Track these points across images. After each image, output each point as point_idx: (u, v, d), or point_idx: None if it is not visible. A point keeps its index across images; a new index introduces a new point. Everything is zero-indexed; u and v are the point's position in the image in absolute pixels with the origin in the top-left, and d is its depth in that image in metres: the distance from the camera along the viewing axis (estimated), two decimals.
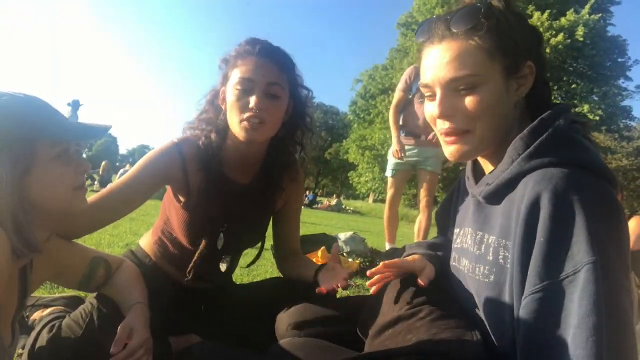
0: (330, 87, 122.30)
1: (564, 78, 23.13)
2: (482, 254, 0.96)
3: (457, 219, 1.18)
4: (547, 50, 21.30)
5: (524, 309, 0.80)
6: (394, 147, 4.00)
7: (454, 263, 1.12)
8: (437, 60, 0.92)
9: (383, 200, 24.42)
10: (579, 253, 0.75)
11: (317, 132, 1.64)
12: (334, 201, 24.24)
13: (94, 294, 1.31)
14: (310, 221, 9.90)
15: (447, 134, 0.96)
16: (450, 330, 0.93)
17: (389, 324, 1.01)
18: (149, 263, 1.55)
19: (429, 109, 0.97)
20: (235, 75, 1.36)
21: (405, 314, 1.00)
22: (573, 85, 22.81)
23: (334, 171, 55.31)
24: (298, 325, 1.29)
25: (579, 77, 23.21)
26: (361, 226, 10.21)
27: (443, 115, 0.93)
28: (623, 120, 25.60)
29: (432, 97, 0.96)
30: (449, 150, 0.97)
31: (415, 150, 4.03)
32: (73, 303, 1.61)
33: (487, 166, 1.03)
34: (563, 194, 0.78)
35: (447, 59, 0.91)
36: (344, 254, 4.31)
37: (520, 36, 0.92)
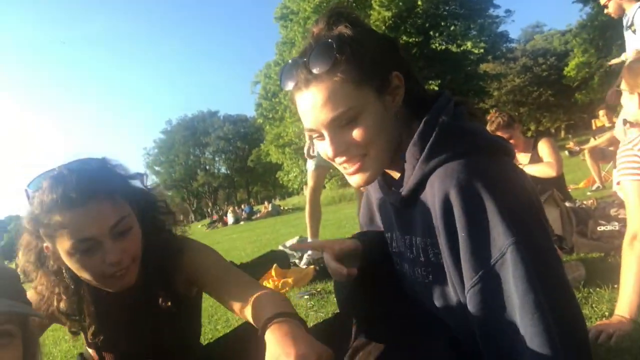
0: (231, 97, 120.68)
1: (442, 23, 24.35)
2: (415, 257, 1.00)
3: (383, 223, 1.20)
4: (419, 1, 22.35)
5: (470, 304, 0.83)
6: (305, 148, 4.08)
7: (397, 267, 1.14)
8: (311, 106, 0.93)
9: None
10: (499, 236, 0.78)
11: (169, 206, 1.34)
12: (269, 206, 24.12)
13: None
14: (256, 236, 9.64)
15: (347, 165, 0.98)
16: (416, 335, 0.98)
17: (356, 350, 1.04)
18: None
19: (323, 149, 0.98)
20: (64, 238, 1.08)
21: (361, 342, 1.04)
22: (452, 28, 24.07)
23: (262, 176, 55.09)
24: None
25: (455, 18, 24.52)
26: (303, 224, 10.22)
27: (337, 153, 0.95)
28: (504, 45, 27.62)
29: (321, 137, 0.97)
30: (355, 180, 1.00)
31: None
32: None
33: (392, 172, 1.06)
34: (468, 186, 0.82)
35: (320, 102, 0.91)
36: (296, 262, 4.26)
37: (377, 53, 0.94)
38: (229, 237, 9.70)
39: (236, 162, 58.04)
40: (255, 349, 1.24)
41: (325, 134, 0.94)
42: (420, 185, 0.93)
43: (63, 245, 1.08)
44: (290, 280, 3.44)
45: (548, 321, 0.75)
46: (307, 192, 4.28)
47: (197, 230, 21.00)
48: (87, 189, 1.06)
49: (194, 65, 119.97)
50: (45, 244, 1.13)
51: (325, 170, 4.23)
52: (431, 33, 23.78)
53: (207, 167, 59.52)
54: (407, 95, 0.96)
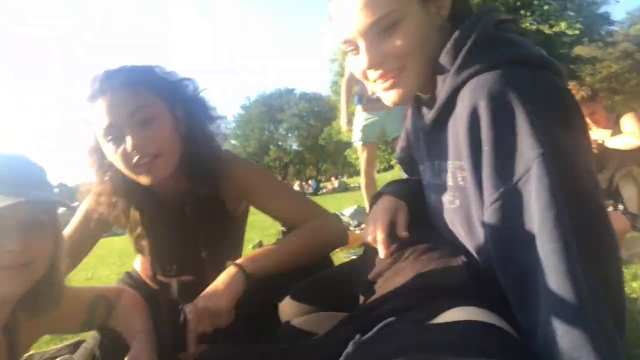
0: (307, 74, 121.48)
1: (535, 2, 22.71)
2: (443, 182, 0.94)
3: (417, 157, 1.15)
4: None
5: (488, 222, 0.78)
6: (342, 120, 4.18)
7: (427, 200, 1.09)
8: (349, 9, 0.86)
9: (385, 169, 24.45)
10: (527, 151, 0.72)
11: (225, 118, 1.40)
12: (336, 183, 24.24)
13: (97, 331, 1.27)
14: None
15: (382, 80, 0.91)
16: (434, 261, 0.91)
17: (377, 275, 1.00)
18: (145, 285, 1.51)
19: (357, 64, 0.92)
20: (98, 128, 1.19)
21: (389, 260, 0.98)
22: (545, 7, 22.39)
23: (332, 155, 55.19)
24: (302, 308, 1.26)
25: None
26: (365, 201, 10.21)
27: (373, 65, 0.88)
28: (604, 27, 25.21)
29: (356, 50, 0.90)
30: (389, 96, 0.93)
31: (379, 115, 4.03)
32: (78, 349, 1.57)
33: (428, 97, 0.99)
34: (498, 96, 0.75)
35: (360, 5, 0.85)
36: (351, 228, 4.33)
37: None
38: None
39: (308, 139, 58.55)
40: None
41: (361, 43, 0.87)
42: (450, 100, 0.86)
43: (98, 134, 1.20)
44: None
45: (568, 237, 0.67)
46: (361, 164, 4.31)
47: None
48: (111, 81, 1.17)
49: (276, 43, 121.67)
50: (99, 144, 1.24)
51: (373, 145, 4.26)
52: (522, 12, 22.21)
53: (280, 143, 60.63)
54: (452, 9, 0.90)
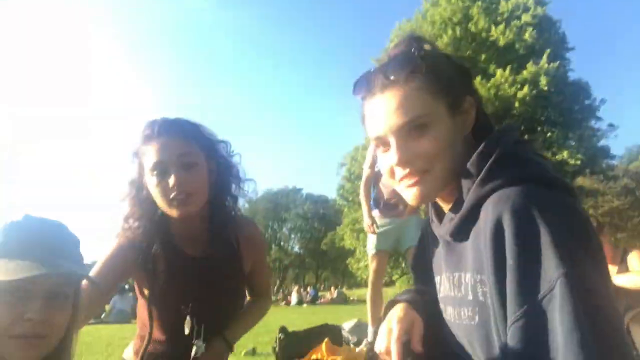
0: (315, 176, 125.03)
1: (538, 128, 23.77)
2: (463, 296, 0.95)
3: (434, 267, 1.14)
4: (516, 104, 22.12)
5: (510, 340, 0.78)
6: (366, 221, 3.98)
7: (443, 315, 1.06)
8: (384, 110, 0.93)
9: (387, 284, 23.99)
10: (550, 269, 0.74)
11: (253, 181, 1.64)
12: (335, 293, 23.70)
13: None
14: (317, 318, 9.29)
15: (407, 179, 0.95)
16: None
17: None
18: None
19: (386, 161, 0.97)
20: (147, 162, 1.39)
21: None
22: (549, 134, 23.38)
23: (333, 261, 54.76)
24: None
25: (552, 125, 23.84)
26: (366, 314, 9.81)
27: (402, 162, 0.93)
28: (604, 160, 26.01)
29: (387, 147, 0.95)
30: (411, 193, 0.97)
31: (395, 223, 3.94)
32: None
33: (447, 206, 1.02)
34: (523, 211, 0.78)
35: (394, 106, 0.91)
36: (351, 344, 4.04)
37: (454, 74, 0.96)
38: (290, 317, 9.61)
39: (310, 242, 58.58)
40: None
41: (393, 141, 0.93)
42: (474, 211, 0.89)
43: (146, 170, 1.40)
44: (339, 359, 3.33)
45: None
46: (369, 276, 4.17)
47: None
48: (168, 126, 1.41)
49: (285, 140, 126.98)
50: (143, 177, 1.44)
51: (386, 254, 4.12)
52: (526, 137, 23.19)
53: (282, 243, 60.51)
54: (475, 124, 0.97)
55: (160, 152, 1.36)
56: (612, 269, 3.07)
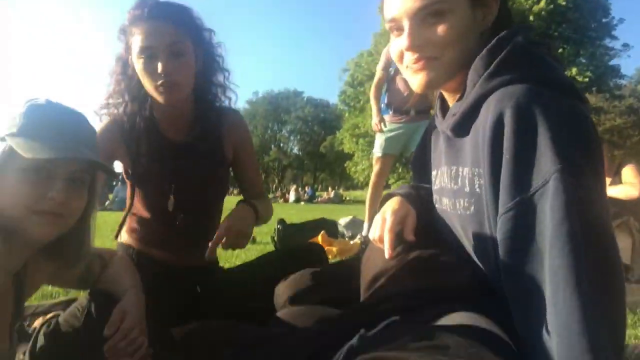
0: (317, 80, 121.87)
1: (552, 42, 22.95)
2: (460, 188, 0.95)
3: (433, 162, 1.15)
4: (531, 17, 21.17)
5: (499, 230, 0.79)
6: (374, 120, 3.97)
7: (437, 205, 1.10)
8: None
9: (387, 186, 24.46)
10: (546, 164, 0.73)
11: (229, 71, 1.63)
12: (332, 193, 24.28)
13: (88, 291, 1.30)
14: (312, 215, 9.62)
15: (416, 64, 0.94)
16: (439, 266, 0.93)
17: (377, 276, 1.01)
18: (133, 253, 1.57)
19: (397, 44, 0.96)
20: (135, 44, 1.39)
21: (391, 264, 0.99)
22: (560, 50, 22.67)
23: (331, 164, 55.31)
24: (296, 296, 1.28)
25: (565, 42, 23.00)
26: (362, 214, 10.23)
27: (413, 46, 0.92)
28: (613, 80, 25.47)
29: (400, 31, 0.94)
30: (416, 79, 0.96)
31: (405, 128, 3.98)
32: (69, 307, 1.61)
33: (453, 100, 1.01)
34: (525, 108, 0.76)
35: None
36: (346, 237, 4.32)
37: None
38: (287, 212, 9.96)
39: (309, 144, 58.75)
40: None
41: (406, 24, 0.92)
42: (476, 106, 0.87)
43: (135, 51, 1.38)
44: (334, 249, 3.53)
45: (580, 255, 0.68)
46: (372, 175, 4.23)
47: None
48: (160, 10, 1.37)
49: (288, 42, 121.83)
50: (130, 56, 1.43)
51: (392, 158, 4.16)
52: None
53: (281, 145, 60.78)
54: (497, 20, 0.94)
55: (150, 37, 1.36)
56: (606, 180, 3.19)
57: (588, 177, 0.74)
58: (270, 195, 28.34)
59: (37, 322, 1.54)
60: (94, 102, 1.55)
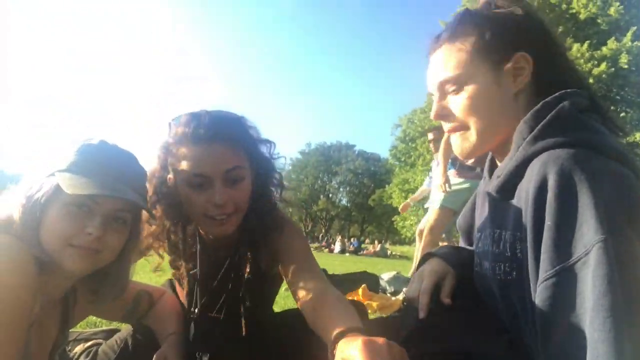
0: (370, 134, 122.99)
1: (612, 107, 22.24)
2: (501, 252, 0.93)
3: (478, 224, 1.14)
4: (591, 80, 20.71)
5: (538, 297, 0.77)
6: (440, 180, 3.89)
7: (476, 269, 1.08)
8: (432, 67, 1.02)
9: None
10: (589, 232, 0.71)
11: (285, 186, 1.40)
12: (378, 247, 23.91)
13: (132, 324, 1.35)
14: (356, 267, 9.48)
15: (450, 132, 1.02)
16: (475, 330, 0.93)
17: (412, 332, 1.02)
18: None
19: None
20: (185, 169, 1.17)
21: (434, 319, 1.00)
22: (622, 114, 21.89)
23: (379, 217, 54.76)
24: None
25: (628, 105, 22.27)
26: (406, 269, 10.00)
27: (437, 117, 1.00)
28: None
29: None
30: (455, 146, 1.03)
31: (468, 184, 3.91)
32: (113, 335, 1.66)
33: (501, 161, 1.01)
34: (569, 173, 0.75)
35: (437, 64, 0.99)
36: (388, 293, 4.23)
37: (508, 29, 0.94)
38: (332, 262, 9.84)
39: (358, 197, 58.65)
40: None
41: (435, 96, 1.01)
42: (521, 168, 0.87)
43: (181, 176, 1.18)
44: (375, 304, 3.43)
45: (621, 328, 0.66)
46: (428, 226, 4.08)
47: None
48: (215, 131, 1.16)
49: (343, 95, 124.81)
50: (169, 175, 1.24)
51: (449, 213, 4.01)
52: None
53: (330, 195, 61.03)
54: (537, 80, 0.94)
55: (205, 163, 1.16)
56: None
57: (632, 245, 0.72)
58: (316, 245, 28.30)
59: (78, 349, 1.60)
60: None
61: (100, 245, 0.98)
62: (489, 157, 1.10)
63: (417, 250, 4.19)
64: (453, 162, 3.99)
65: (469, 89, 0.94)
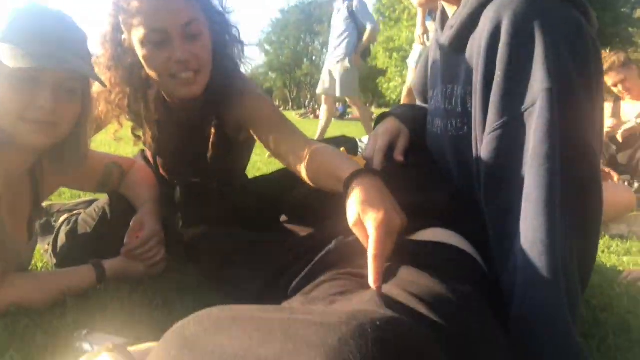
0: None
1: None
2: (452, 108, 0.92)
3: (430, 81, 1.11)
4: None
5: (484, 150, 0.77)
6: (418, 31, 3.68)
7: (428, 127, 1.08)
8: None
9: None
10: (537, 82, 0.70)
11: (244, 42, 1.32)
12: None
13: (108, 193, 1.40)
14: (340, 132, 9.38)
15: None
16: (422, 182, 0.96)
17: None
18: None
19: None
20: (139, 26, 1.10)
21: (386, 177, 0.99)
22: None
23: (364, 80, 53.52)
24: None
25: None
26: None
27: None
28: None
29: None
30: None
31: None
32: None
33: (453, 12, 0.96)
34: (522, 18, 0.72)
35: None
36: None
37: None
38: (316, 128, 9.85)
39: None
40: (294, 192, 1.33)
41: None
42: (474, 17, 0.82)
43: (138, 34, 1.12)
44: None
45: (554, 176, 0.68)
46: (405, 87, 4.00)
47: (291, 117, 21.35)
48: None
49: None
50: (123, 37, 1.16)
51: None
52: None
53: (314, 58, 59.17)
54: None
55: (161, 17, 1.09)
56: (638, 105, 3.00)
57: (580, 96, 0.72)
58: (302, 111, 28.16)
59: (62, 219, 1.67)
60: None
61: (55, 117, 0.97)
62: (439, 8, 1.03)
63: None
64: (430, 13, 3.70)
65: None
